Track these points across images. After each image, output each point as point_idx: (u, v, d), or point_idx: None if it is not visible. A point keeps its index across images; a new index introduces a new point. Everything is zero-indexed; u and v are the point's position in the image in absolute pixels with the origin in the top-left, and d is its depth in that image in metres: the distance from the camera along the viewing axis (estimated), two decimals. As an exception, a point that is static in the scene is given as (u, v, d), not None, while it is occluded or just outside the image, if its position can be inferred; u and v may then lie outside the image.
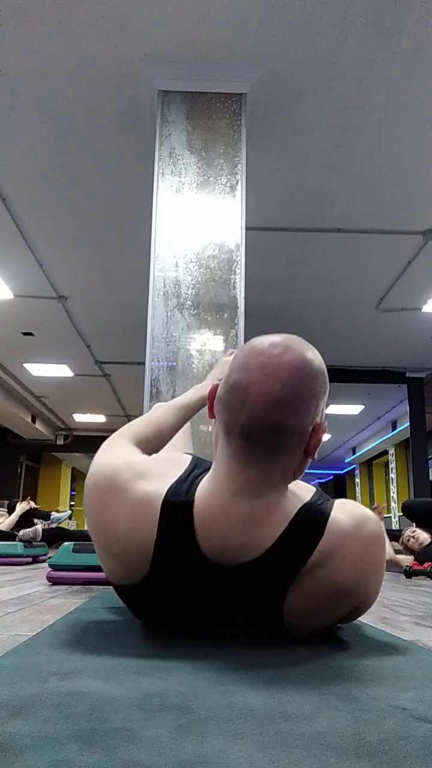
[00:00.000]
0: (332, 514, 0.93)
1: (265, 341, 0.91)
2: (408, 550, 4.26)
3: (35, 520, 5.87)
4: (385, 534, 1.01)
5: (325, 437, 0.99)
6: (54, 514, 6.62)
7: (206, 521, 0.89)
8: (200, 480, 0.95)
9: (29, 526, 6.08)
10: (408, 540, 4.26)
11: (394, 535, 4.51)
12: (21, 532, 4.87)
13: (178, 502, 0.91)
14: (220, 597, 0.91)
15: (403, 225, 4.31)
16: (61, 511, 8.12)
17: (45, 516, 6.57)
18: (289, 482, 0.93)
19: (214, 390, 0.96)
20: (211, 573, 0.89)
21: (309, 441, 0.90)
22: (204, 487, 0.93)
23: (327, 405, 0.95)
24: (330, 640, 1.02)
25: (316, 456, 0.93)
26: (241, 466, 0.89)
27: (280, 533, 0.88)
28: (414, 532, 4.28)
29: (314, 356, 0.90)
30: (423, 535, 4.20)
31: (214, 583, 0.90)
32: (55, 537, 5.38)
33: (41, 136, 3.40)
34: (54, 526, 5.96)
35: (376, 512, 4.57)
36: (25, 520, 6.07)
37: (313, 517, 0.91)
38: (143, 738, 0.52)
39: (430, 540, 4.14)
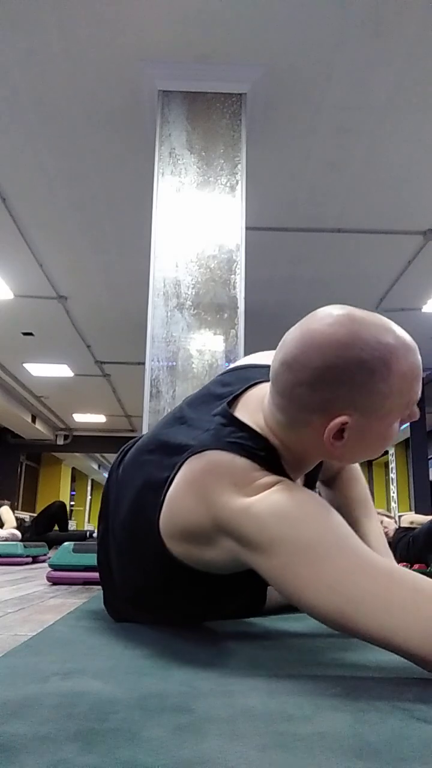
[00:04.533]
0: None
1: (331, 310, 0.88)
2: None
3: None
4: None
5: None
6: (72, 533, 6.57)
7: None
8: None
9: (50, 527, 6.08)
10: None
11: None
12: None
13: None
14: None
15: (403, 225, 4.31)
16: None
17: (65, 526, 6.49)
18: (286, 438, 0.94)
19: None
20: None
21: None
22: None
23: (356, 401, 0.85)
24: (329, 641, 1.02)
25: (336, 453, 0.89)
26: None
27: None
28: (380, 522, 4.15)
29: (366, 345, 0.83)
30: (391, 527, 4.08)
31: None
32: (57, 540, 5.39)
33: (41, 136, 3.40)
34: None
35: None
36: (49, 523, 6.06)
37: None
38: (143, 738, 0.52)
39: (397, 527, 4.02)
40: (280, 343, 0.91)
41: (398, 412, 0.88)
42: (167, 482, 0.94)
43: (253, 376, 1.07)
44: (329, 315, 0.86)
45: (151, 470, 1.02)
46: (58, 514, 6.31)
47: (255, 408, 0.98)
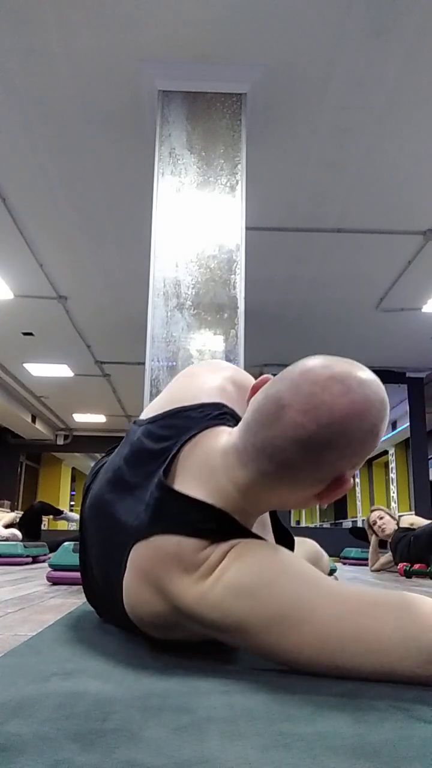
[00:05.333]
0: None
1: (331, 372, 0.81)
2: (373, 532, 4.17)
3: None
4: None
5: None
6: (67, 513, 6.55)
7: None
8: None
9: (38, 525, 6.09)
10: (374, 524, 4.18)
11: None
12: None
13: None
14: None
15: (403, 225, 4.31)
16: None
17: (56, 512, 6.51)
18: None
19: (260, 383, 0.91)
20: None
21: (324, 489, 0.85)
22: None
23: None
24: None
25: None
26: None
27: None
28: (382, 518, 4.17)
29: (375, 410, 0.81)
30: (390, 525, 4.09)
31: None
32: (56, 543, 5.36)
33: (41, 136, 3.40)
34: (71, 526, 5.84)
35: (378, 518, 4.33)
36: (35, 520, 6.06)
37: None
38: (143, 738, 0.52)
39: (396, 527, 4.02)
40: (273, 405, 0.82)
41: None
42: (122, 564, 0.91)
43: (188, 425, 0.97)
44: (333, 379, 0.80)
45: (105, 542, 1.00)
46: (44, 509, 6.26)
47: (200, 470, 0.90)
